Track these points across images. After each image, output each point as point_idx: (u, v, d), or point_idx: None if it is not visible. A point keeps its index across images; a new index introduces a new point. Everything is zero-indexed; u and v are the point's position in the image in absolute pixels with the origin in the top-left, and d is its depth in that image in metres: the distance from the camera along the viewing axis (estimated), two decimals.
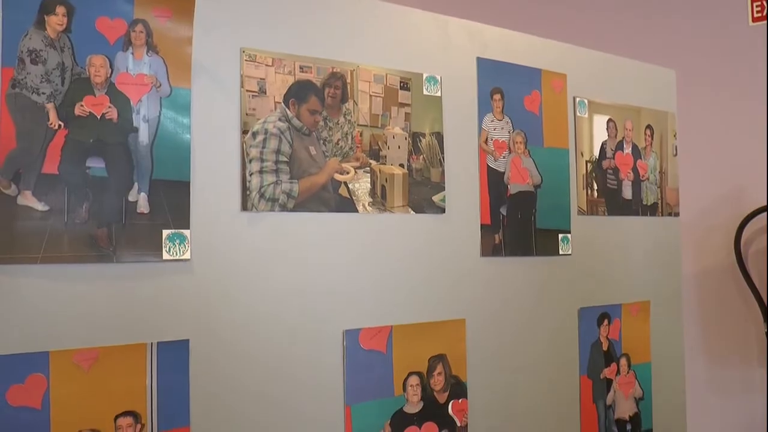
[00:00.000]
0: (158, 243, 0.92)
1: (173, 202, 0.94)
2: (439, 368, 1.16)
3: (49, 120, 0.87)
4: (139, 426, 0.90)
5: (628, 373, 1.46)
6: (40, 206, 0.85)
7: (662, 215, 1.56)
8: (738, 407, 2.15)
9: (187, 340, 0.93)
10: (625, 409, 1.46)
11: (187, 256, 0.94)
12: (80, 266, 0.87)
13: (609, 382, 1.43)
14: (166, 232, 0.93)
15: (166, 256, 0.93)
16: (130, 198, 0.92)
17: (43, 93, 0.87)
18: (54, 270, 0.85)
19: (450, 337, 1.18)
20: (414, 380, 1.13)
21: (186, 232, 0.94)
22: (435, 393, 1.16)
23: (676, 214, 1.59)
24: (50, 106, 0.88)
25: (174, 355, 0.92)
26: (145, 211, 0.92)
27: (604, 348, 1.42)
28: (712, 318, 2.10)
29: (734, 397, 2.15)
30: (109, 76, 0.92)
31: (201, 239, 0.96)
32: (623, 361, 1.45)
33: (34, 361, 0.83)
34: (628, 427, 1.46)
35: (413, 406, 1.13)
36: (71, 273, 0.86)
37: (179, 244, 0.94)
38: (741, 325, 2.13)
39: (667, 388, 1.54)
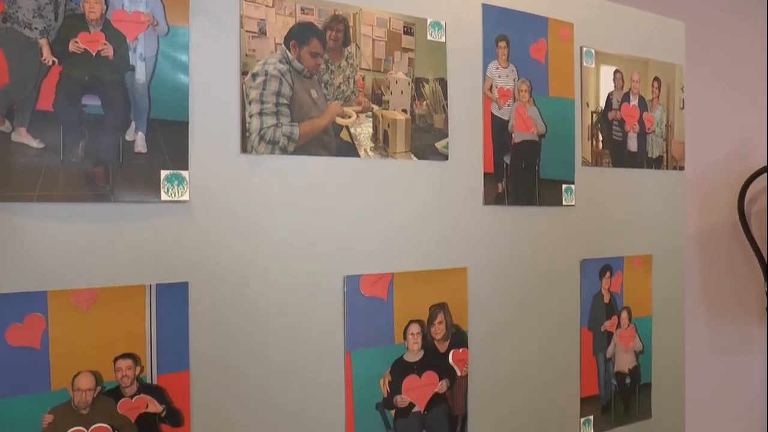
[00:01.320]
0: (156, 183, 0.91)
1: (171, 142, 0.92)
2: (440, 317, 1.16)
3: (42, 56, 0.85)
4: (138, 368, 0.90)
5: (628, 326, 1.46)
6: (35, 143, 0.84)
7: (667, 168, 1.54)
8: (737, 365, 2.16)
9: (186, 283, 0.93)
10: (624, 363, 1.46)
11: (185, 197, 0.93)
12: (77, 205, 0.86)
13: (609, 335, 1.43)
14: (164, 173, 0.91)
15: (164, 197, 0.91)
16: (128, 137, 0.90)
17: (36, 28, 0.85)
18: (51, 208, 0.84)
19: (451, 286, 1.17)
20: (415, 328, 1.13)
21: (184, 173, 0.93)
22: (435, 342, 1.16)
23: (681, 168, 1.57)
24: (43, 42, 0.85)
25: (173, 298, 0.91)
26: (143, 151, 0.90)
27: (606, 300, 1.41)
28: (713, 276, 2.09)
29: (733, 356, 2.16)
30: (104, 12, 0.89)
31: (200, 181, 0.94)
32: (624, 315, 1.45)
33: (32, 300, 0.82)
34: (627, 380, 1.46)
35: (414, 354, 1.13)
36: (68, 212, 0.85)
37: (178, 186, 0.92)
38: (742, 283, 2.13)
39: (667, 342, 1.54)
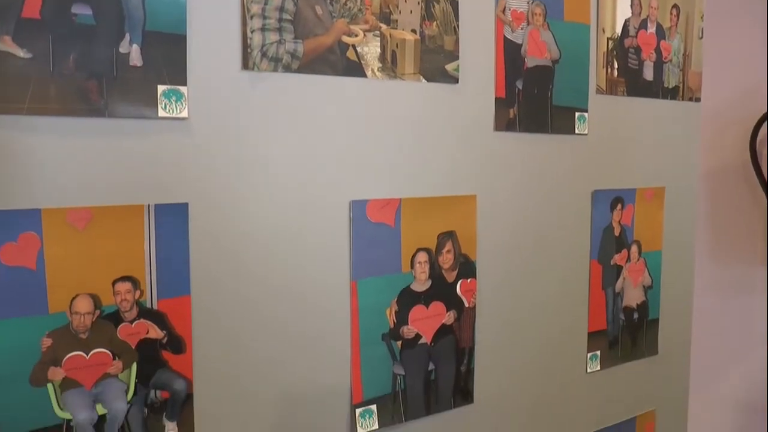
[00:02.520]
0: (153, 99, 0.86)
1: (169, 56, 0.87)
2: (448, 246, 1.12)
3: None
4: (138, 292, 0.86)
5: (638, 260, 1.43)
6: (22, 53, 0.78)
7: (683, 99, 1.49)
8: (740, 305, 2.15)
9: (186, 204, 0.89)
10: (632, 297, 1.43)
11: (184, 114, 0.88)
12: (70, 119, 0.81)
13: (619, 269, 1.40)
14: (161, 88, 0.86)
15: (161, 113, 0.86)
16: (122, 50, 0.84)
17: None
18: (42, 122, 0.79)
19: (460, 214, 1.13)
20: (422, 257, 1.09)
21: (183, 89, 0.88)
22: (443, 271, 1.12)
23: (697, 99, 1.52)
24: None
25: (172, 219, 0.87)
26: (138, 65, 0.85)
27: (616, 233, 1.38)
28: (720, 215, 2.06)
29: (736, 295, 2.14)
30: None
31: (199, 97, 0.89)
32: (634, 248, 1.42)
33: (26, 218, 0.79)
34: (635, 315, 1.44)
35: (421, 284, 1.10)
36: (61, 126, 0.80)
37: (176, 102, 0.87)
38: (748, 225, 2.10)
39: (676, 278, 1.52)
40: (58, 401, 0.82)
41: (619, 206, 1.37)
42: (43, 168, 0.80)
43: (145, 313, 0.87)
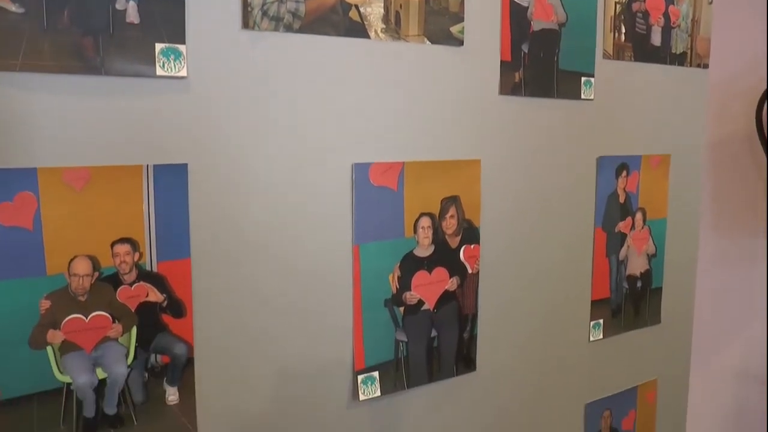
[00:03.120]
0: (151, 57, 0.83)
1: (166, 13, 0.84)
2: (452, 211, 1.10)
3: None
4: (137, 255, 0.85)
5: (643, 228, 1.41)
6: (14, 7, 0.76)
7: (691, 65, 1.46)
8: (742, 277, 2.14)
9: (185, 165, 0.87)
10: (636, 266, 1.42)
11: (183, 73, 0.86)
12: (65, 77, 0.79)
13: (623, 237, 1.38)
14: (159, 46, 0.84)
15: (159, 71, 0.84)
16: (118, 6, 0.82)
17: None
18: (36, 79, 0.77)
19: (464, 178, 1.11)
20: (425, 222, 1.08)
21: (182, 48, 0.85)
22: (446, 237, 1.11)
23: (705, 66, 1.49)
24: None
25: (172, 180, 0.86)
26: (135, 22, 0.83)
27: (621, 201, 1.36)
28: (723, 186, 2.04)
29: (738, 267, 2.13)
30: None
31: (198, 56, 0.87)
32: (639, 216, 1.40)
33: (22, 177, 0.77)
34: (639, 284, 1.43)
35: (424, 249, 1.09)
36: (56, 84, 0.78)
37: (174, 60, 0.85)
38: (751, 196, 2.08)
39: (680, 246, 1.50)
40: (57, 364, 0.81)
41: (624, 173, 1.36)
42: (39, 126, 0.78)
43: (144, 275, 0.85)
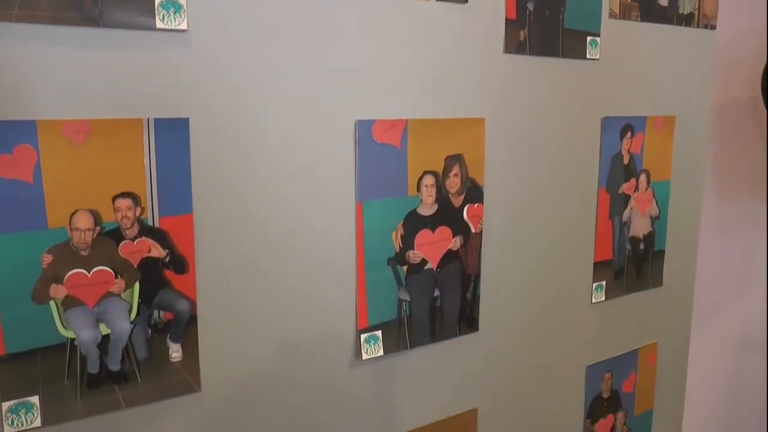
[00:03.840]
0: (150, 9, 0.82)
1: None
2: (456, 169, 1.09)
3: None
4: (138, 209, 0.84)
5: (646, 189, 1.40)
6: None
7: (698, 27, 1.44)
8: (742, 242, 2.14)
9: (187, 119, 0.85)
10: (639, 228, 1.42)
11: (183, 26, 0.84)
12: (62, 28, 0.77)
13: (626, 198, 1.37)
14: None
15: (159, 24, 0.82)
16: None
17: None
18: (33, 31, 0.75)
19: (468, 137, 1.10)
20: (429, 180, 1.07)
21: (182, 0, 0.83)
22: (450, 195, 1.10)
23: (713, 27, 1.47)
24: None
25: (173, 134, 0.84)
26: None
27: (625, 162, 1.35)
28: (726, 150, 2.03)
29: (739, 232, 2.13)
30: None
31: (199, 9, 0.85)
32: (643, 177, 1.39)
33: (21, 129, 0.76)
34: (641, 246, 1.43)
35: (427, 207, 1.08)
36: (53, 35, 0.76)
37: (174, 13, 0.83)
38: (753, 161, 2.07)
39: (683, 209, 1.50)
40: (61, 319, 0.81)
41: (629, 134, 1.34)
42: (37, 78, 0.76)
43: (146, 230, 0.85)
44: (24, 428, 0.80)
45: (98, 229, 0.81)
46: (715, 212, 2.09)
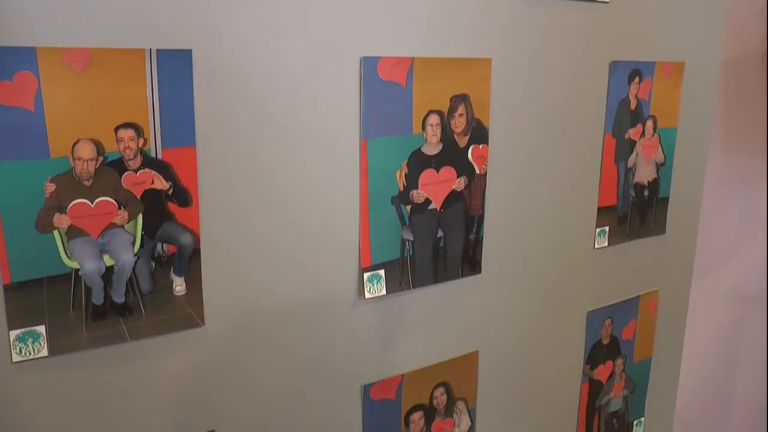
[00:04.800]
0: None
1: None
2: (461, 109, 1.08)
3: None
4: (141, 141, 0.83)
5: (653, 136, 1.39)
6: None
7: None
8: (744, 197, 2.14)
9: (190, 51, 0.84)
10: (644, 174, 1.41)
11: None
12: None
13: (632, 144, 1.36)
14: None
15: None
16: None
17: None
18: None
19: (474, 77, 1.08)
20: (434, 119, 1.06)
21: None
22: (455, 136, 1.09)
23: None
24: None
25: (176, 66, 0.83)
26: None
27: (632, 107, 1.34)
28: (735, 105, 2.01)
29: (741, 187, 2.12)
30: None
31: None
32: (649, 123, 1.38)
33: (20, 56, 0.74)
34: (646, 192, 1.42)
35: (432, 147, 1.07)
36: None
37: None
38: (757, 116, 2.06)
39: (688, 157, 1.49)
40: (65, 249, 0.81)
41: (636, 79, 1.33)
42: (36, 4, 0.75)
43: (149, 162, 0.84)
44: (31, 357, 0.81)
45: (101, 159, 0.81)
46: (719, 167, 2.09)
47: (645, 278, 1.50)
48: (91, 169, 0.80)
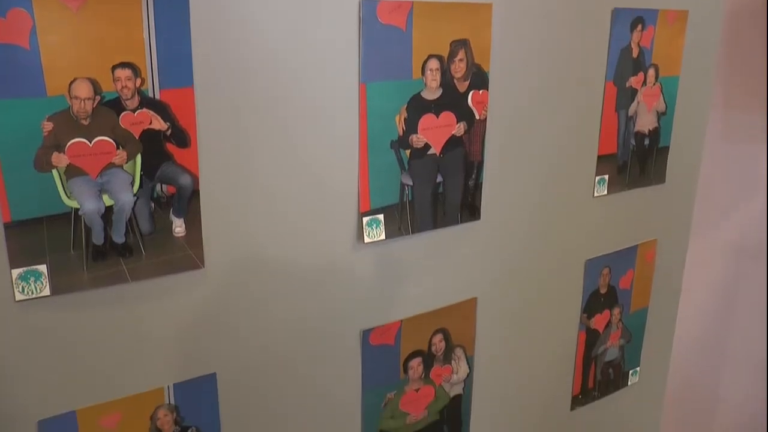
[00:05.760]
0: None
1: None
2: (461, 54, 1.07)
3: None
4: (138, 80, 0.83)
5: (654, 84, 1.38)
6: None
7: None
8: (747, 152, 2.13)
9: None
10: (645, 123, 1.40)
11: None
12: None
13: (634, 92, 1.35)
14: None
15: None
16: None
17: None
18: None
19: (474, 22, 1.07)
20: (434, 64, 1.05)
21: None
22: (455, 81, 1.08)
23: None
24: None
25: (172, 6, 0.82)
26: None
27: (634, 55, 1.32)
28: (738, 58, 1.99)
29: (744, 142, 2.11)
30: None
31: None
32: (651, 72, 1.37)
33: None
34: (646, 141, 1.42)
35: (432, 92, 1.06)
36: None
37: None
38: (759, 71, 2.04)
39: (690, 106, 1.48)
40: (64, 189, 0.81)
41: (639, 26, 1.31)
42: None
43: (147, 102, 0.84)
44: (34, 296, 0.82)
45: (98, 98, 0.80)
46: (720, 122, 2.07)
47: (643, 228, 1.50)
48: (89, 108, 0.80)
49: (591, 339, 1.50)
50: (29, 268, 0.81)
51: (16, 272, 0.80)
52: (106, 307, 0.87)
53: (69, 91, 0.79)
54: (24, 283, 0.81)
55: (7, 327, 0.82)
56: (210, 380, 0.99)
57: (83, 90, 0.79)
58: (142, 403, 0.94)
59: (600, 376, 1.56)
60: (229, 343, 0.99)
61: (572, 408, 1.53)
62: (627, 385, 1.63)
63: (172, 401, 0.97)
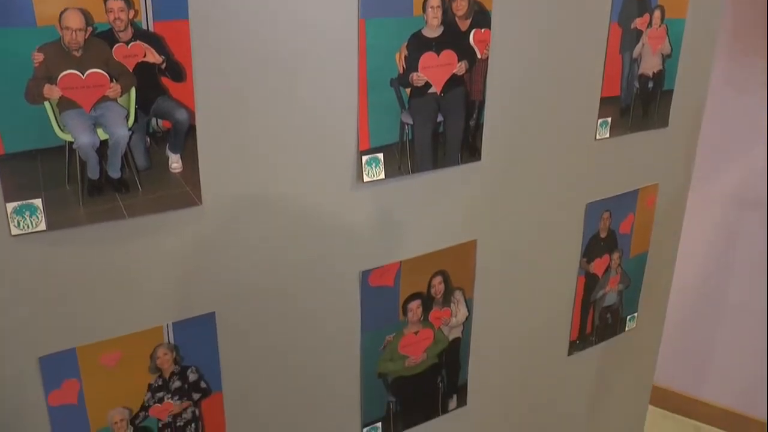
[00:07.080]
0: None
1: None
2: None
3: None
4: (132, 12, 0.80)
5: (660, 26, 1.35)
6: None
7: None
8: (751, 102, 2.11)
9: None
10: (650, 65, 1.37)
11: None
12: None
13: (639, 34, 1.33)
14: None
15: None
16: None
17: None
18: None
19: None
20: (435, 1, 1.02)
21: None
22: (457, 18, 1.06)
23: None
24: None
25: None
26: None
27: None
28: (739, 9, 1.95)
29: (748, 91, 2.09)
30: None
31: None
32: (657, 13, 1.33)
33: None
34: (650, 84, 1.39)
35: (432, 29, 1.04)
36: None
37: None
38: (764, 20, 2.00)
39: (695, 48, 1.45)
40: (57, 121, 0.80)
41: None
42: None
43: (140, 34, 0.81)
44: (30, 231, 0.81)
45: (90, 30, 0.78)
46: (723, 69, 2.04)
47: (645, 172, 1.49)
48: (80, 39, 0.78)
49: (590, 283, 1.50)
50: (24, 202, 0.80)
51: (11, 206, 0.80)
52: (102, 243, 0.87)
53: (60, 21, 0.76)
54: (19, 218, 0.80)
55: (4, 262, 0.81)
56: (209, 319, 0.99)
57: (74, 20, 0.77)
58: (142, 341, 0.95)
59: (598, 321, 1.57)
60: (228, 283, 0.99)
61: (569, 353, 1.54)
62: (624, 330, 1.64)
63: (172, 340, 0.97)
